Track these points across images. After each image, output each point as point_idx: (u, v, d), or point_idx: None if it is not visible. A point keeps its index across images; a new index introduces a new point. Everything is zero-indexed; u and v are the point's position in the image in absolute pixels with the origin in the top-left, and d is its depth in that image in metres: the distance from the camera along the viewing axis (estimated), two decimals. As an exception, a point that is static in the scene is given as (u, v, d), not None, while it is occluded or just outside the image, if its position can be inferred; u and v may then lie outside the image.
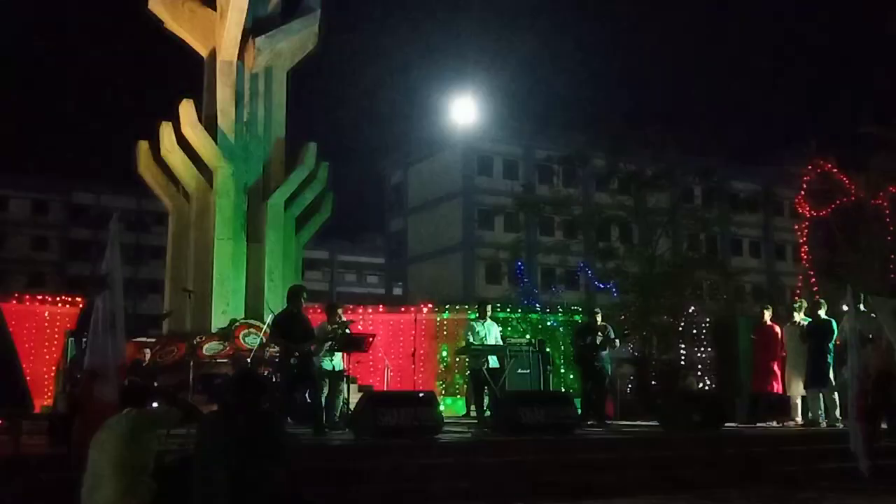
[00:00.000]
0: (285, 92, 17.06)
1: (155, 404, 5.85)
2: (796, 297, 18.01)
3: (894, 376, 10.37)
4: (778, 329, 12.40)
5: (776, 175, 19.60)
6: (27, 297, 17.26)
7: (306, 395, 10.25)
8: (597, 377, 11.66)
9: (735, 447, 9.29)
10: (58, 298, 17.27)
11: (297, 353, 9.45)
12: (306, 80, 18.85)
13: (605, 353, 11.66)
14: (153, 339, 14.55)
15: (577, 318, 17.13)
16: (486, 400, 11.40)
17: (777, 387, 12.11)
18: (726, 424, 10.65)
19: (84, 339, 8.83)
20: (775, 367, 12.11)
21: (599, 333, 11.68)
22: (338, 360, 10.36)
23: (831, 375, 11.43)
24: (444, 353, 18.48)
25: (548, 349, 16.27)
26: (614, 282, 23.02)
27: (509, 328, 15.49)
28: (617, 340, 12.12)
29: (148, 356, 13.74)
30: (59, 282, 47.24)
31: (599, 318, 11.93)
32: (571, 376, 16.39)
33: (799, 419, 11.97)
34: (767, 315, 12.51)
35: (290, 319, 9.75)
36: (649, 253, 21.77)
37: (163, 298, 16.77)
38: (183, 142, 16.11)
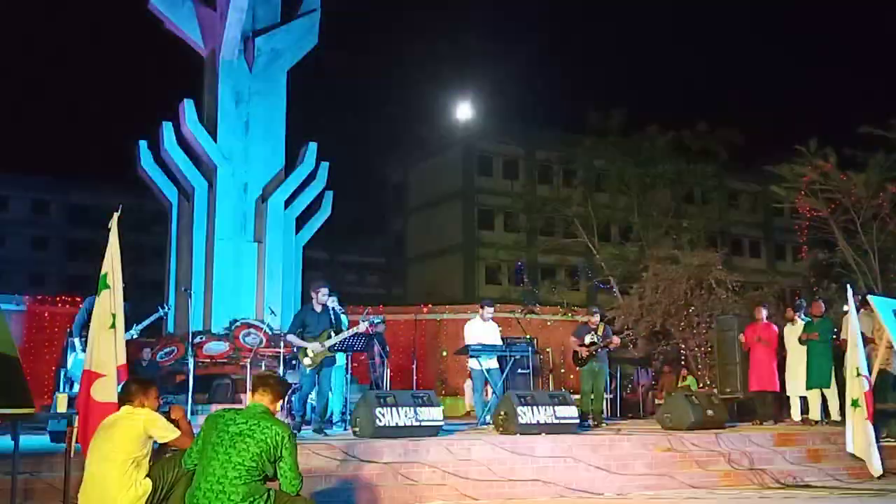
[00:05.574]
0: (285, 92, 17.09)
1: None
2: (797, 297, 17.99)
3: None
4: (775, 327, 12.40)
5: (776, 175, 19.60)
6: (27, 297, 17.29)
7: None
8: (596, 377, 11.66)
9: (736, 447, 9.28)
10: (58, 298, 17.31)
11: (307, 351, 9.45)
12: (306, 80, 18.81)
13: (603, 352, 11.64)
14: (153, 339, 14.57)
15: (577, 317, 17.15)
16: (486, 400, 11.41)
17: (775, 385, 12.11)
18: (726, 424, 10.65)
19: (83, 339, 8.88)
20: (773, 366, 12.10)
21: (597, 333, 11.67)
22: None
23: (831, 375, 11.43)
24: (444, 353, 18.51)
25: (548, 349, 16.31)
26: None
27: (509, 328, 15.50)
28: (616, 339, 12.08)
29: (148, 356, 13.76)
30: (59, 282, 47.24)
31: (598, 318, 11.92)
32: (572, 376, 16.40)
33: (798, 418, 11.98)
34: (763, 313, 12.50)
35: (299, 315, 9.80)
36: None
37: (163, 298, 16.78)
38: (183, 142, 16.13)
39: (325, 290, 9.70)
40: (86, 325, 9.07)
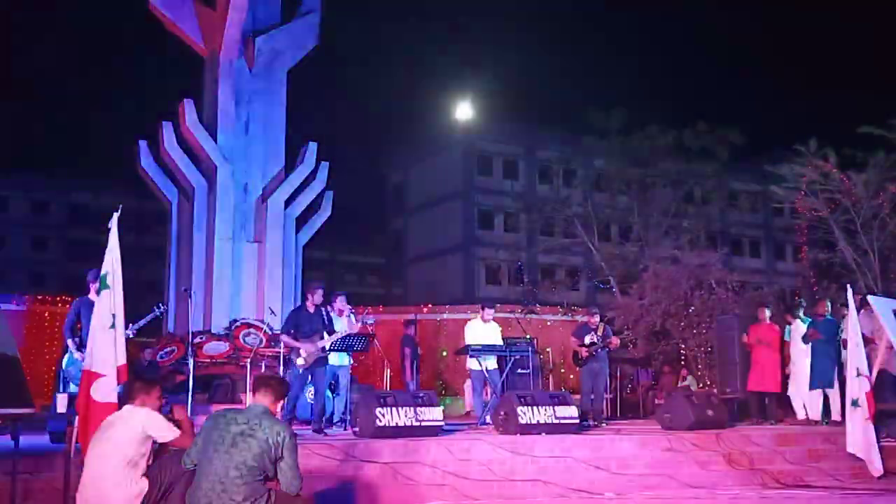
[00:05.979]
0: (285, 92, 17.10)
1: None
2: (797, 297, 17.98)
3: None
4: (777, 328, 12.40)
5: (775, 175, 19.59)
6: (27, 297, 17.30)
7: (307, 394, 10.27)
8: (596, 377, 11.66)
9: (736, 447, 9.28)
10: (58, 298, 17.31)
11: (301, 351, 9.46)
12: (306, 80, 18.82)
13: (603, 352, 11.64)
14: (153, 339, 14.57)
15: (577, 317, 17.14)
16: (485, 400, 11.40)
17: (777, 386, 12.10)
18: (726, 424, 10.65)
19: (74, 339, 8.89)
20: (775, 367, 12.10)
21: (597, 333, 11.67)
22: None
23: (834, 375, 11.43)
24: (444, 353, 18.52)
25: (548, 349, 16.30)
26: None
27: (510, 328, 15.51)
28: (615, 339, 12.08)
29: (148, 356, 13.76)
30: (59, 282, 47.22)
31: (598, 318, 11.92)
32: (572, 376, 16.39)
33: (800, 417, 11.98)
34: (766, 314, 12.49)
35: (294, 315, 9.81)
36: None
37: (162, 299, 16.81)
38: (183, 142, 16.14)
39: (320, 292, 9.76)
40: (75, 326, 9.10)
